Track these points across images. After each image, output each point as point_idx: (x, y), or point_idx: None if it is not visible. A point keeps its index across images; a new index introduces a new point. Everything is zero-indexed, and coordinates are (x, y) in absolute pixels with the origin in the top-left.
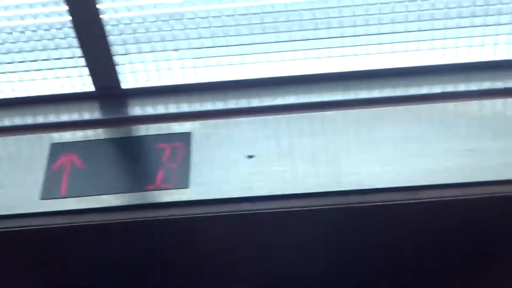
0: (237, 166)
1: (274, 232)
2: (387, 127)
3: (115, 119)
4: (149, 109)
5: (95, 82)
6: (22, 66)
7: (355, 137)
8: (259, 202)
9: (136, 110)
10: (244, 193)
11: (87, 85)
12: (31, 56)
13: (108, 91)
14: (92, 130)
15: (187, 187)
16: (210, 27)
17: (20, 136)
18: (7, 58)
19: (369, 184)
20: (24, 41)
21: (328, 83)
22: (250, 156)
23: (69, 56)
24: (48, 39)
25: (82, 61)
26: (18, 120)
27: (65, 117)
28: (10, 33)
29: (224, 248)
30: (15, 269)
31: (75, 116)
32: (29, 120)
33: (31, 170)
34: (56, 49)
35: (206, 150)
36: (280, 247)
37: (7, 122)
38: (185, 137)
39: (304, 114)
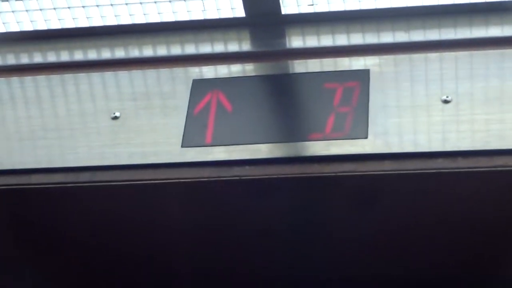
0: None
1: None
2: None
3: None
4: (313, 41)
5: (246, 5)
6: None
7: None
8: (457, 158)
9: (297, 41)
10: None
11: (236, 9)
12: None
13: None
14: (240, 64)
15: (365, 137)
16: None
17: (152, 70)
18: None
19: None
20: None
21: None
22: (446, 101)
23: None
24: None
25: None
26: (148, 51)
27: (207, 49)
28: None
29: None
30: None
31: (219, 48)
32: (163, 51)
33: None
34: None
35: (388, 91)
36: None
37: (136, 52)
38: (362, 75)
39: None
